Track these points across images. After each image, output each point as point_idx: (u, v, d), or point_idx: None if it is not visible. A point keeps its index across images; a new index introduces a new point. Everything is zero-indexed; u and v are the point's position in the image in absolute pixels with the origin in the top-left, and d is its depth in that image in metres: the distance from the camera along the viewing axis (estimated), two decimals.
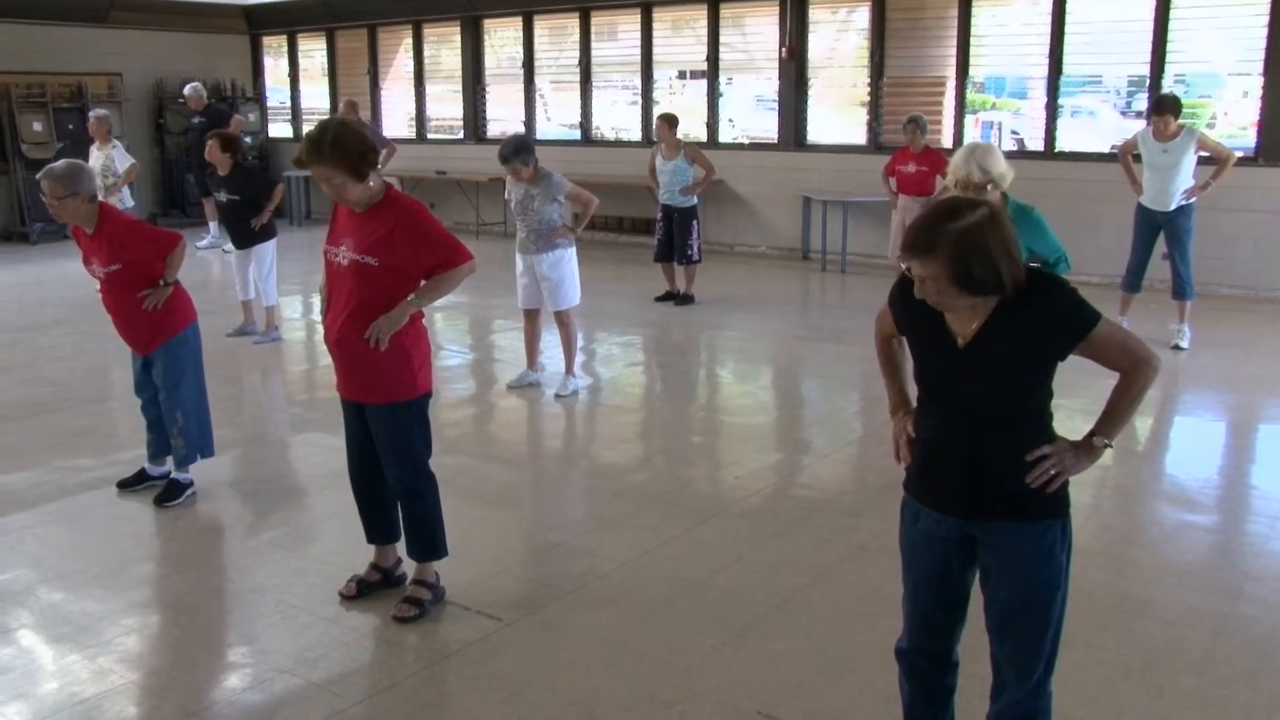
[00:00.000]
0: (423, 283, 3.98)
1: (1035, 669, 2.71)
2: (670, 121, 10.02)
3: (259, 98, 17.60)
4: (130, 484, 5.47)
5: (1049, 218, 4.57)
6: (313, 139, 3.76)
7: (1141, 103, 10.74)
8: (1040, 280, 2.57)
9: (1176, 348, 8.08)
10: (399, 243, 3.84)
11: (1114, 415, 2.65)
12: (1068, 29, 10.81)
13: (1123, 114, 11.67)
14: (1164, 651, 3.83)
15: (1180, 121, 8.01)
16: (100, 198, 5.26)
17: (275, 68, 18.09)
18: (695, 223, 10.11)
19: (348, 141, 3.74)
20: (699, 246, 10.18)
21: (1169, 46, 10.31)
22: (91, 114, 12.11)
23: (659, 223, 10.26)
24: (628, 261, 12.53)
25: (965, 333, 2.58)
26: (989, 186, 4.21)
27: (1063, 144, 11.14)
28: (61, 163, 5.06)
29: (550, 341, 7.54)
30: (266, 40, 17.82)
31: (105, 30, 15.56)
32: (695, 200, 10.13)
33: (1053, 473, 2.58)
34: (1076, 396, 6.62)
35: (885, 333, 2.97)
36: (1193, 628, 4.00)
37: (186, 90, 14.16)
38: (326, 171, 3.72)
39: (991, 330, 2.54)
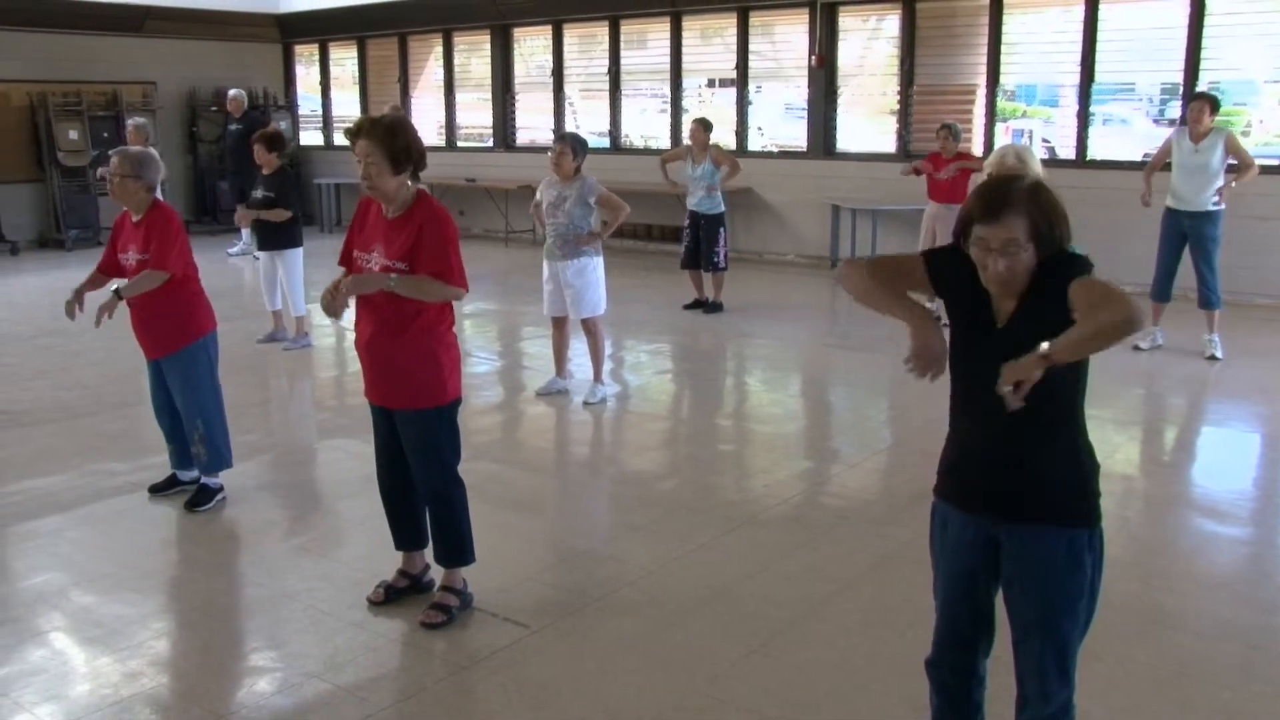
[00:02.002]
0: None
1: (1057, 682, 2.67)
2: (705, 125, 10.03)
3: (291, 106, 17.75)
4: (161, 488, 5.51)
5: (1079, 227, 4.52)
6: (372, 117, 3.95)
7: (1174, 110, 10.65)
8: (1064, 257, 2.57)
9: (1212, 358, 8.01)
10: (420, 245, 3.88)
11: (1075, 334, 2.38)
12: (1100, 36, 10.73)
13: (1155, 121, 11.58)
14: (1196, 664, 3.79)
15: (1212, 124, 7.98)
16: None
17: (307, 76, 18.24)
18: (722, 230, 10.10)
19: (401, 132, 3.88)
20: (726, 254, 10.16)
21: (1203, 54, 10.21)
22: (130, 122, 12.26)
23: (686, 230, 10.26)
24: (655, 269, 12.54)
25: (1005, 313, 2.58)
26: None
27: (1094, 152, 11.05)
28: (137, 147, 5.24)
29: (579, 349, 7.55)
30: (298, 49, 17.96)
31: (140, 39, 15.73)
32: (722, 207, 10.12)
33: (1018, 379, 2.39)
34: (1108, 407, 6.57)
35: (889, 271, 2.77)
36: (1226, 640, 3.96)
37: (231, 94, 14.29)
38: (369, 148, 3.81)
39: (1025, 308, 2.55)
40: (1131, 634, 3.97)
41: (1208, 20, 10.16)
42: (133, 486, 5.62)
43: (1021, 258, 2.49)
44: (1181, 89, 10.38)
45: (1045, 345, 2.39)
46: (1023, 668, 2.73)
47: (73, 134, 14.82)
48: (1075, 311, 2.41)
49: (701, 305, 10.22)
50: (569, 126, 14.85)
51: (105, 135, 14.84)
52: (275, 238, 8.61)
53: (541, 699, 3.60)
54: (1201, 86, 10.06)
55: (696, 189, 10.06)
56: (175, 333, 5.19)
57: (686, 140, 10.45)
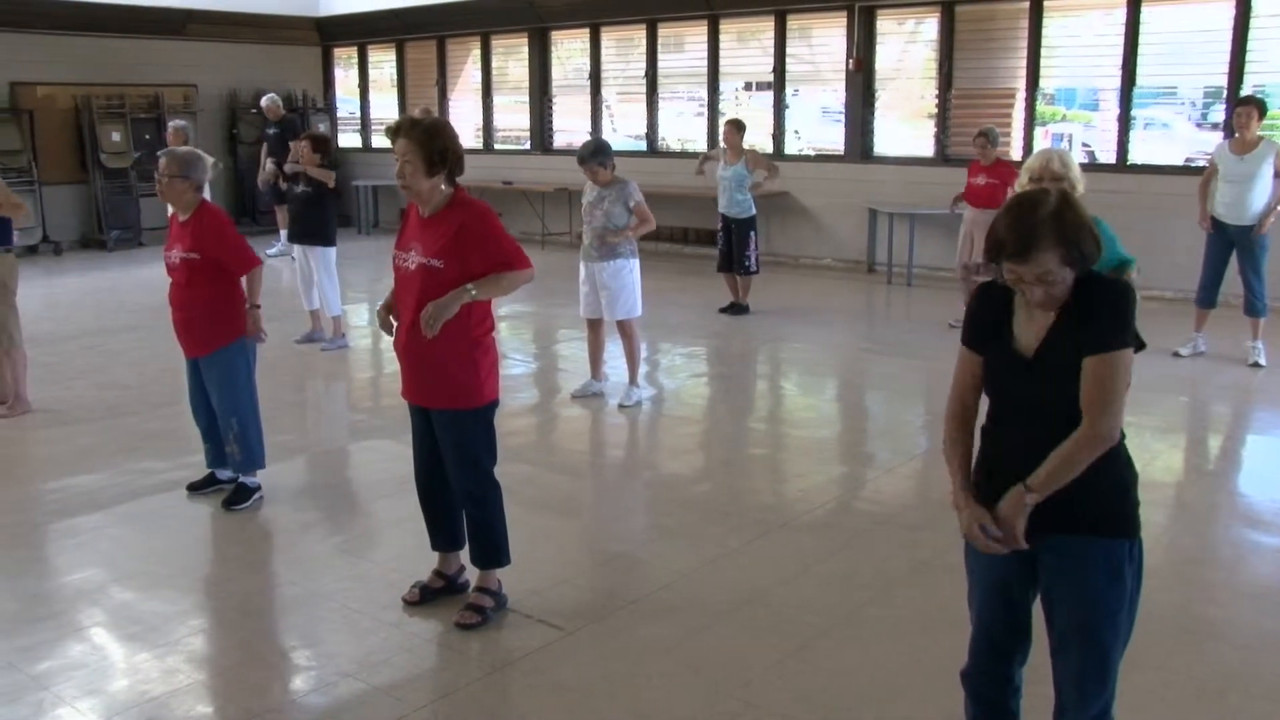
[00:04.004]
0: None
1: (1095, 692, 2.65)
2: (738, 126, 10.01)
3: (329, 108, 17.89)
4: (199, 487, 5.56)
5: (1121, 231, 4.49)
6: (412, 118, 4.01)
7: (1218, 114, 10.52)
8: (1107, 283, 2.57)
9: (1256, 365, 7.90)
10: (464, 244, 3.90)
11: (1048, 468, 2.54)
12: (1142, 39, 10.61)
13: (1198, 126, 11.45)
14: (1238, 676, 3.74)
15: (1260, 133, 7.86)
16: None
17: (345, 79, 18.37)
18: (753, 233, 10.07)
19: (439, 135, 3.93)
20: (757, 258, 10.14)
21: (1248, 56, 10.07)
22: (170, 125, 12.43)
23: (720, 233, 10.25)
24: (691, 272, 12.52)
25: (1034, 339, 2.58)
26: (1064, 185, 4.15)
27: (1135, 156, 10.93)
28: (184, 148, 5.32)
29: (614, 352, 7.55)
30: (337, 52, 18.09)
31: (182, 42, 15.91)
32: (753, 211, 10.08)
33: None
34: (1148, 414, 6.49)
35: (961, 387, 2.79)
36: (1268, 652, 3.90)
37: (264, 101, 14.45)
38: (406, 147, 3.87)
39: (1056, 333, 2.55)
40: (1172, 645, 3.92)
41: (1253, 22, 10.02)
42: (171, 485, 5.67)
43: (1058, 284, 2.51)
44: (1225, 92, 10.25)
45: (1029, 496, 2.55)
46: (1061, 677, 2.71)
47: (115, 136, 15.02)
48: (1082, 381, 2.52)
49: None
50: (606, 129, 14.87)
51: (147, 137, 15.05)
52: (309, 233, 8.67)
53: (574, 701, 3.60)
54: (1246, 90, 9.93)
55: (725, 191, 10.04)
56: (216, 332, 5.24)
57: (721, 144, 10.43)
